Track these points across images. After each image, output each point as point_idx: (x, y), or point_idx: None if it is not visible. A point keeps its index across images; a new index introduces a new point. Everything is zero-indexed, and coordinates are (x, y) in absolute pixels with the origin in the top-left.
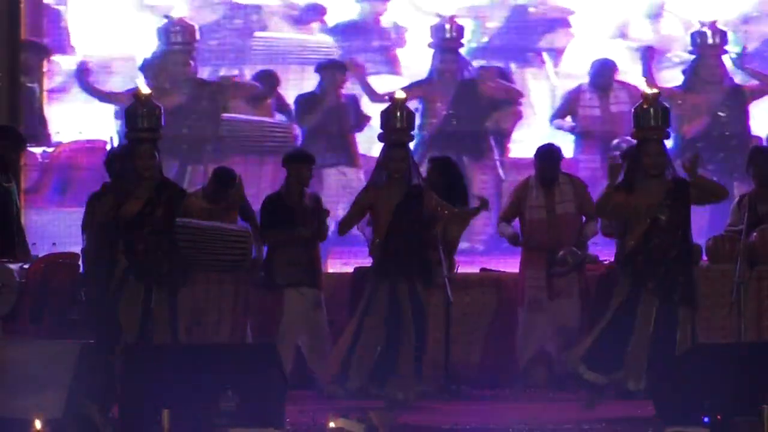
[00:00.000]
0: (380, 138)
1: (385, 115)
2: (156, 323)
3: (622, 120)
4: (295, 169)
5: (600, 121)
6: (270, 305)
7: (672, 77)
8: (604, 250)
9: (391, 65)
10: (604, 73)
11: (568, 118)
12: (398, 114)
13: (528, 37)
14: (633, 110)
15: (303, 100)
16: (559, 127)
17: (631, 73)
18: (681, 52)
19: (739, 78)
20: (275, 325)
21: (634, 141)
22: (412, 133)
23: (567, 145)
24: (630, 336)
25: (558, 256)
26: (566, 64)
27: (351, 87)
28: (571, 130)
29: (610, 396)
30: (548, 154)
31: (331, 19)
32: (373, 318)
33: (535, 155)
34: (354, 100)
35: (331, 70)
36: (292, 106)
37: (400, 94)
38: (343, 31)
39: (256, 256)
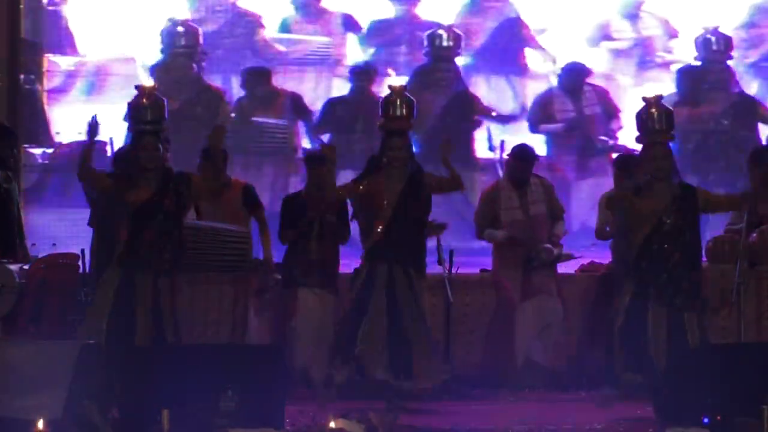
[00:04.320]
0: (380, 126)
1: (385, 104)
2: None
3: (595, 121)
4: (311, 169)
5: (572, 124)
6: (282, 303)
7: (656, 77)
8: (604, 252)
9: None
10: (575, 76)
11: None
12: (398, 102)
13: (522, 42)
14: (637, 114)
15: (332, 104)
16: (548, 132)
17: (614, 74)
18: (663, 53)
19: (748, 88)
20: (283, 323)
21: (609, 141)
22: (411, 121)
23: (539, 146)
24: (645, 340)
25: (532, 254)
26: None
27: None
28: (566, 132)
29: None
30: (524, 154)
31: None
32: (370, 300)
33: (510, 155)
34: None
35: (362, 74)
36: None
37: (399, 83)
38: (372, 29)
39: (265, 256)
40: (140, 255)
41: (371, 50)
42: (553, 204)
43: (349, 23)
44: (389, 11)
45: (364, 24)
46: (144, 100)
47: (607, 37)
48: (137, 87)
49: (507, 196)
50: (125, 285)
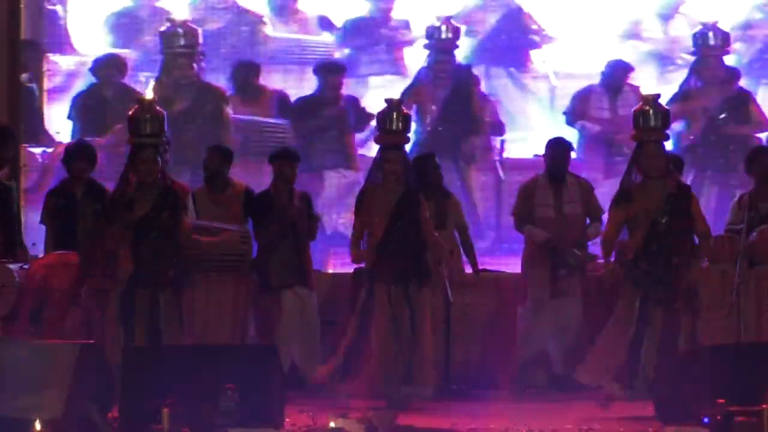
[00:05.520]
0: (376, 140)
1: (381, 117)
2: (165, 327)
3: (628, 122)
4: (277, 167)
5: (608, 124)
6: (267, 306)
7: (678, 78)
8: None
9: (396, 65)
10: (617, 73)
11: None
12: (394, 116)
13: (525, 37)
14: (633, 112)
15: (301, 103)
16: (583, 129)
17: (638, 73)
18: (686, 55)
19: (743, 81)
20: (272, 326)
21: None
22: (407, 135)
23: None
24: (641, 346)
25: (559, 258)
26: (566, 64)
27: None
28: (598, 134)
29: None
30: (559, 144)
31: (338, 17)
32: (380, 320)
33: (547, 147)
34: (354, 102)
35: (330, 71)
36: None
37: (396, 97)
38: (350, 29)
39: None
40: (140, 270)
41: (347, 50)
42: (591, 205)
43: (325, 23)
44: (364, 9)
45: (339, 23)
46: (143, 113)
47: (636, 36)
48: (136, 100)
49: (543, 194)
50: (125, 299)
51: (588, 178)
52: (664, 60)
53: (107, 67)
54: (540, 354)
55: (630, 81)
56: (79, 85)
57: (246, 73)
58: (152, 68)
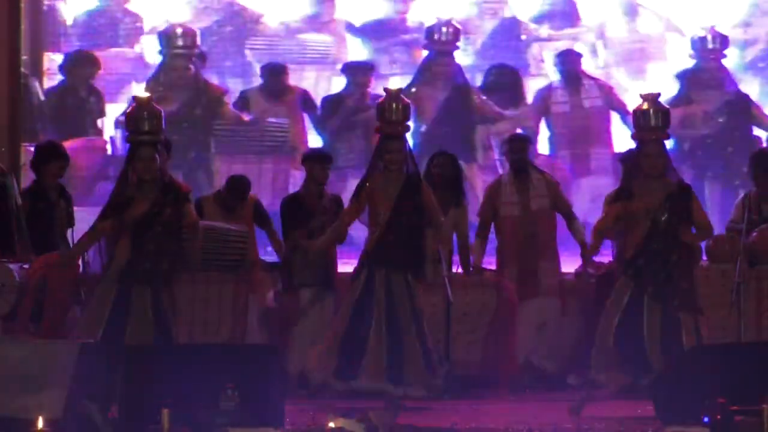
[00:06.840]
0: (376, 130)
1: (381, 108)
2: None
3: (595, 115)
4: (309, 168)
5: (570, 117)
6: (287, 306)
7: (654, 76)
8: (604, 251)
9: (416, 66)
10: (568, 63)
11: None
12: (393, 106)
13: (524, 36)
14: (633, 111)
15: (328, 101)
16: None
17: (612, 71)
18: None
19: (742, 85)
20: (290, 325)
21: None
22: (407, 124)
23: (543, 144)
24: (642, 338)
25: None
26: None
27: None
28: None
29: (608, 396)
30: (517, 139)
31: (357, 19)
32: (372, 308)
33: (505, 143)
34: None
35: (357, 70)
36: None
37: (395, 86)
38: (369, 30)
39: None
40: (140, 268)
41: (367, 51)
42: (558, 201)
43: (352, 30)
44: (383, 11)
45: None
46: (141, 111)
47: (604, 35)
48: (134, 97)
49: (508, 191)
50: (122, 297)
51: (558, 174)
52: (640, 58)
53: (82, 66)
54: (527, 361)
55: (582, 67)
56: None
57: (273, 74)
58: (141, 69)
